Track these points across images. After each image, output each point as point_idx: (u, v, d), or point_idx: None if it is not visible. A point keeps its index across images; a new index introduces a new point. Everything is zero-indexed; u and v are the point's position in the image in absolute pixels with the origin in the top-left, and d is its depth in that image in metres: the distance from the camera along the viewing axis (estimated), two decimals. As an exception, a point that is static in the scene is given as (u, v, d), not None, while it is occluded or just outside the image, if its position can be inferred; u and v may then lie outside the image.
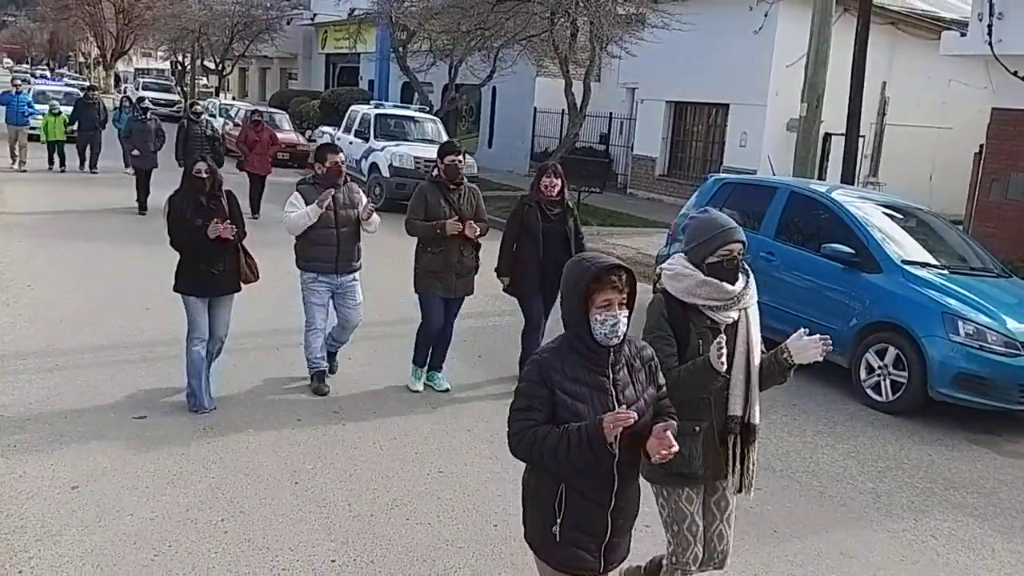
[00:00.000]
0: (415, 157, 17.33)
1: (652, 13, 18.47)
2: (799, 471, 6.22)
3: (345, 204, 6.71)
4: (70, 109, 20.21)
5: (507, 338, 8.79)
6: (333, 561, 4.47)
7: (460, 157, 6.81)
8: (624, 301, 2.94)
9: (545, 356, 3.01)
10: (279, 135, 21.06)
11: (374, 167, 17.83)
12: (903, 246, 8.30)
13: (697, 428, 3.53)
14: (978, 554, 5.20)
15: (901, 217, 9.06)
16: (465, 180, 7.00)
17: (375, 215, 6.79)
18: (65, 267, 10.52)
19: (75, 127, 19.56)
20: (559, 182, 7.08)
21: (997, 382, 7.15)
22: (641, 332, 3.47)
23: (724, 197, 9.82)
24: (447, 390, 7.13)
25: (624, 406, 2.92)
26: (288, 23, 38.41)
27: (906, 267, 7.87)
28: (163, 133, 15.65)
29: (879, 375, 7.68)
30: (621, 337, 2.95)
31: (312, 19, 38.35)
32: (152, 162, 15.07)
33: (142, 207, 14.83)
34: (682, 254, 3.65)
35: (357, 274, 6.91)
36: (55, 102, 20.92)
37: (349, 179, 6.88)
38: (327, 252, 6.66)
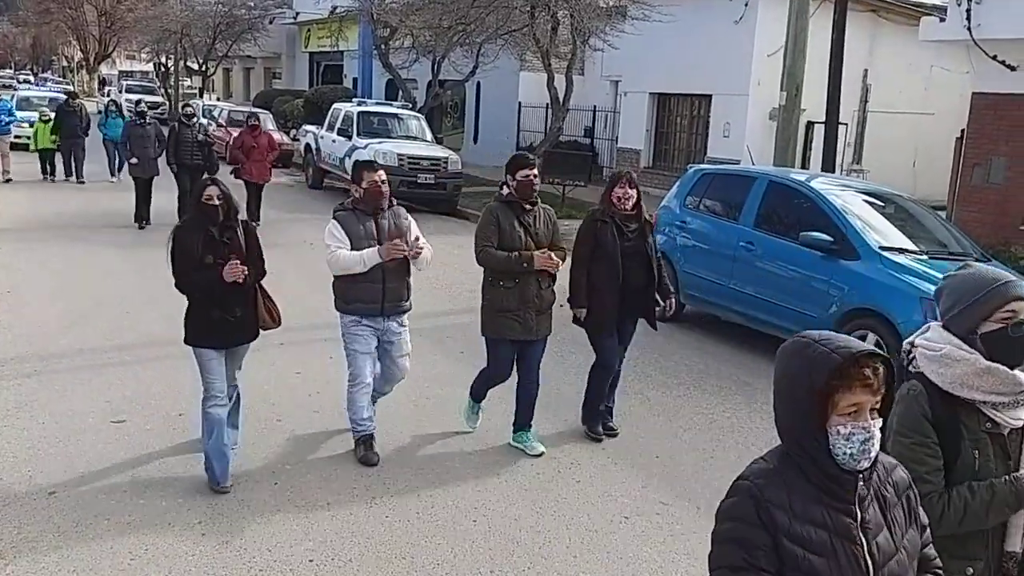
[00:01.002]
0: (398, 154, 17.30)
1: (632, 5, 18.47)
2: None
3: (392, 233, 5.58)
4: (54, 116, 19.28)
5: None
6: (311, 560, 4.47)
7: (535, 172, 5.73)
8: (877, 406, 2.04)
9: (760, 484, 2.07)
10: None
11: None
12: (882, 232, 8.31)
13: (971, 570, 2.53)
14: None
15: (881, 204, 9.07)
16: (539, 199, 5.96)
17: (425, 250, 5.61)
18: (46, 273, 10.47)
19: (56, 136, 18.68)
20: (635, 193, 6.08)
21: (976, 366, 7.16)
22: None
23: (704, 187, 9.85)
24: (542, 454, 5.93)
25: (875, 561, 2.03)
26: (271, 22, 38.25)
27: (884, 253, 7.89)
28: (164, 138, 14.44)
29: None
30: (873, 458, 2.04)
31: (295, 18, 38.20)
32: (153, 170, 14.09)
33: (144, 219, 13.90)
34: (940, 326, 2.63)
35: (406, 317, 5.81)
36: (44, 108, 20.06)
37: (395, 201, 5.80)
38: (371, 291, 5.55)
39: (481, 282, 5.90)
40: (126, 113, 19.84)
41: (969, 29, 12.42)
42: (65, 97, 20.73)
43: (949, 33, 13.01)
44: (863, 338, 7.66)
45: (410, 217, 5.78)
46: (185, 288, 5.12)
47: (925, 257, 8.11)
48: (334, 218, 5.61)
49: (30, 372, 6.96)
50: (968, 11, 12.40)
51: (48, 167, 18.95)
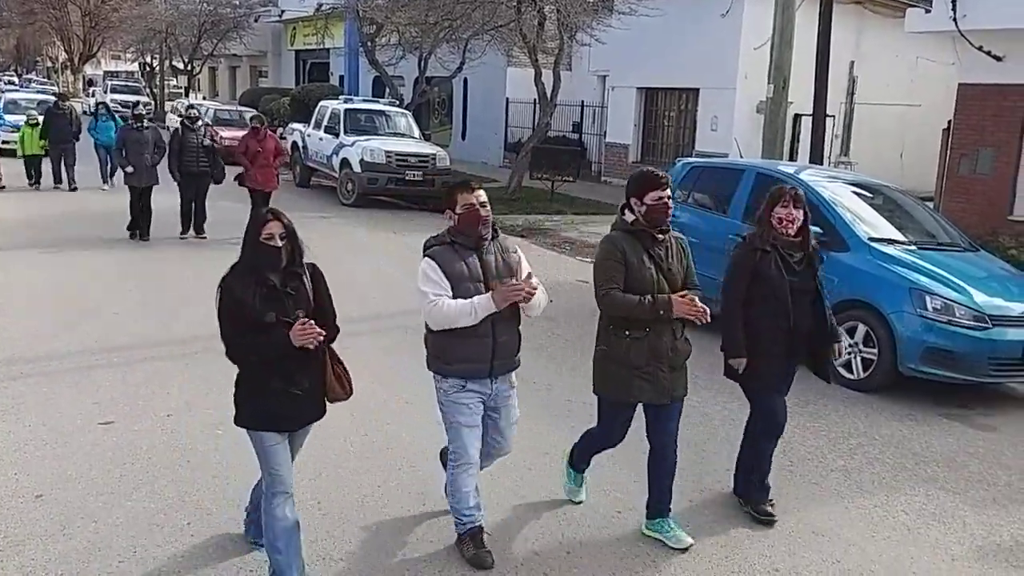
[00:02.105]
0: (386, 151, 17.25)
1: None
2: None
3: (500, 271, 4.42)
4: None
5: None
6: (302, 560, 4.43)
7: (669, 193, 4.55)
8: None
9: None
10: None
11: (345, 162, 17.73)
12: (870, 224, 8.33)
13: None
14: (949, 527, 5.22)
15: (869, 195, 9.08)
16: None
17: (540, 292, 4.40)
18: (34, 278, 10.39)
19: (45, 141, 17.68)
20: (800, 213, 4.99)
21: (966, 356, 7.20)
22: None
23: (693, 181, 9.85)
24: (690, 546, 4.76)
25: None
26: (256, 20, 38.09)
27: (873, 244, 7.90)
28: (163, 144, 13.12)
29: (849, 353, 7.71)
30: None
31: (280, 16, 38.05)
32: (151, 178, 12.82)
33: (142, 234, 12.77)
34: None
35: (515, 375, 4.65)
36: (32, 112, 18.93)
37: (499, 229, 4.56)
38: (479, 348, 4.38)
39: (597, 328, 4.77)
40: (116, 116, 19.04)
41: (954, 20, 12.45)
42: (54, 99, 19.71)
43: (934, 24, 13.04)
44: (854, 329, 7.68)
45: (518, 249, 4.62)
46: (239, 355, 3.99)
47: (914, 248, 8.13)
48: (428, 255, 4.38)
49: (17, 375, 6.90)
50: (953, 2, 12.43)
51: (35, 173, 17.90)
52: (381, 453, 5.77)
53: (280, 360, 3.93)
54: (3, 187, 17.20)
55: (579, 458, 5.17)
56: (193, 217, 13.12)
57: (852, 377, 7.68)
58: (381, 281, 10.92)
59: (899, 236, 8.30)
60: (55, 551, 4.39)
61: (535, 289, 4.33)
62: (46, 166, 17.81)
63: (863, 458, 6.21)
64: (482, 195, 4.36)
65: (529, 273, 4.46)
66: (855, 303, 7.74)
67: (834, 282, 7.91)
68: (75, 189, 17.61)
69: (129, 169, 12.75)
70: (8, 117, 19.33)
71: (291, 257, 3.97)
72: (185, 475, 5.29)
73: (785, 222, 4.96)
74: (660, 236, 4.58)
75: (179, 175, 12.87)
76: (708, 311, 4.44)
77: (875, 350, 7.53)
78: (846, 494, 5.61)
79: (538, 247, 14.20)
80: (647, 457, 4.84)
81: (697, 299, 4.49)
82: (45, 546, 4.43)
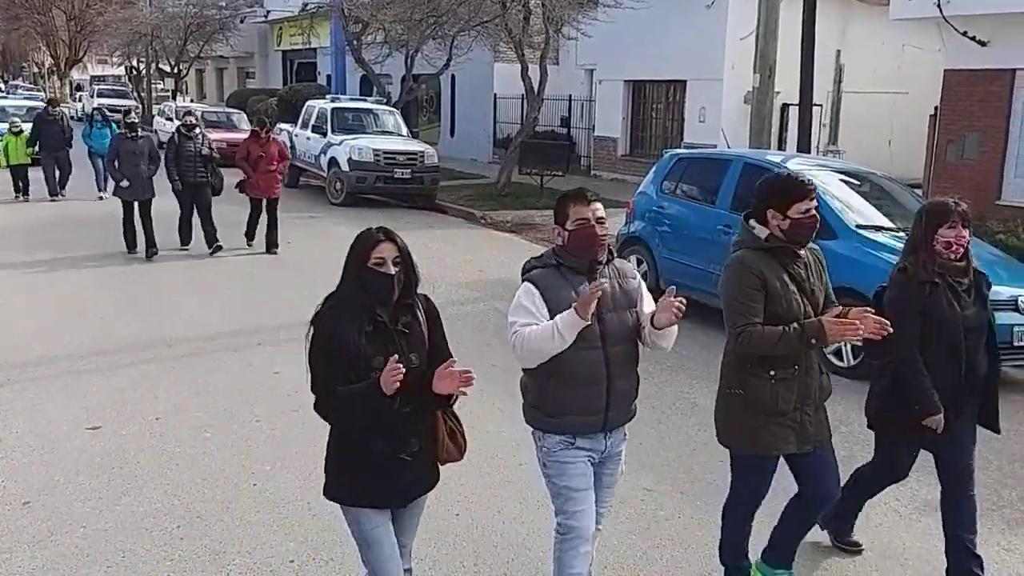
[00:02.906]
0: (374, 150, 17.20)
1: (604, -8, 18.44)
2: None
3: (617, 301, 3.56)
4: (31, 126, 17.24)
5: (470, 327, 8.76)
6: (292, 561, 4.41)
7: (815, 203, 3.80)
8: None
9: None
10: (236, 135, 20.70)
11: (333, 162, 17.67)
12: (858, 211, 8.33)
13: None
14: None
15: (857, 183, 9.08)
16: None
17: (674, 322, 3.48)
18: (19, 281, 10.33)
19: (36, 148, 16.76)
20: (967, 233, 4.09)
21: (955, 340, 7.17)
22: None
23: (680, 172, 9.83)
24: None
25: None
26: (242, 21, 37.94)
27: (861, 231, 7.90)
28: (157, 155, 12.13)
29: (672, 291, 7.70)
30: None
31: (266, 16, 37.92)
32: (147, 191, 11.86)
33: (147, 247, 11.81)
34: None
35: (627, 428, 3.77)
36: (15, 119, 17.92)
37: (614, 251, 3.70)
38: (590, 397, 3.53)
39: (723, 365, 4.02)
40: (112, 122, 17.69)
41: (939, 6, 12.45)
42: (44, 105, 18.76)
43: (919, 10, 13.04)
44: (844, 315, 7.66)
45: (637, 274, 3.77)
46: (338, 411, 3.17)
47: (902, 234, 8.10)
48: (528, 279, 3.58)
49: (3, 381, 6.86)
50: (938, -13, 12.43)
51: (22, 185, 16.84)
52: (371, 452, 5.74)
53: (387, 416, 3.10)
54: None
55: (732, 553, 4.23)
56: (204, 233, 12.21)
57: (843, 364, 7.68)
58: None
59: (887, 223, 8.30)
60: (43, 557, 4.36)
61: (676, 314, 3.38)
62: (35, 174, 16.85)
63: (855, 445, 6.20)
64: (599, 209, 3.52)
65: (672, 296, 3.39)
66: (844, 290, 7.70)
67: (823, 270, 7.94)
68: (63, 197, 16.88)
69: (124, 183, 11.72)
70: None
71: (406, 287, 3.21)
72: (174, 479, 5.27)
73: (955, 246, 4.03)
74: (800, 252, 3.87)
75: (178, 185, 12.04)
76: (859, 327, 3.62)
77: (865, 337, 7.51)
78: (838, 482, 5.59)
79: (528, 242, 14.18)
80: (790, 500, 4.16)
81: (854, 314, 3.66)
82: (32, 553, 4.40)
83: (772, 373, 3.78)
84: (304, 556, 4.45)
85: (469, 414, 6.39)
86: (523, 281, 3.59)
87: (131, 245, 11.86)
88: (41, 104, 20.66)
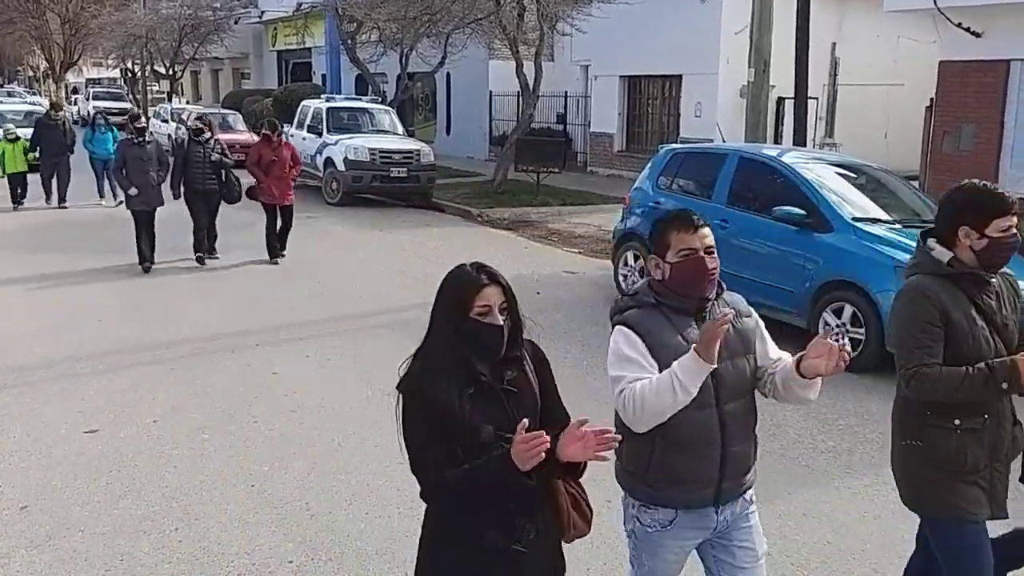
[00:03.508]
0: (370, 149, 17.19)
1: (598, -12, 18.43)
2: (760, 435, 6.18)
3: (731, 347, 2.92)
4: (31, 131, 16.64)
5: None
6: (291, 562, 4.40)
7: (1015, 219, 3.14)
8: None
9: None
10: (232, 136, 20.64)
11: (329, 161, 17.66)
12: (854, 204, 8.32)
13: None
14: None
15: (853, 175, 9.08)
16: None
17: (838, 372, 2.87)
18: (14, 285, 10.31)
19: (37, 153, 16.18)
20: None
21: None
22: None
23: (676, 167, 9.83)
24: None
25: None
26: (236, 22, 37.90)
27: (857, 224, 7.89)
28: (167, 160, 11.58)
29: (837, 334, 7.67)
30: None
31: (260, 17, 37.88)
32: (157, 200, 11.24)
33: (147, 260, 11.14)
34: None
35: (752, 493, 3.08)
36: (10, 125, 17.11)
37: (723, 284, 3.08)
38: (700, 464, 2.92)
39: (897, 411, 3.38)
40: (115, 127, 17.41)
41: (933, -3, 12.44)
42: (45, 109, 18.05)
43: (914, 2, 13.05)
44: (841, 310, 7.67)
45: (753, 312, 3.11)
46: (459, 496, 2.52)
47: (898, 226, 8.12)
48: (622, 323, 2.93)
49: (1, 385, 6.85)
50: (932, -21, 12.42)
51: (20, 192, 16.24)
52: (369, 452, 5.73)
53: (500, 494, 2.44)
54: None
55: None
56: (196, 239, 11.61)
57: (841, 358, 7.66)
58: (368, 280, 10.86)
59: (883, 215, 8.29)
60: (41, 561, 4.35)
61: (847, 361, 2.83)
62: (32, 180, 16.38)
63: (853, 439, 6.21)
64: (708, 236, 2.92)
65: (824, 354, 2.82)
66: (841, 283, 7.73)
67: (819, 263, 7.94)
68: (64, 207, 16.29)
69: (133, 191, 11.02)
70: None
71: (513, 337, 2.56)
72: (171, 481, 5.25)
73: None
74: (991, 279, 3.22)
75: (185, 193, 11.42)
76: None
77: (862, 330, 7.52)
78: (836, 475, 5.60)
79: (525, 239, 14.18)
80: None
81: None
82: (31, 557, 4.39)
83: (957, 423, 3.13)
84: (303, 556, 4.44)
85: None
86: (615, 324, 2.95)
87: (144, 258, 11.11)
88: (41, 109, 20.09)
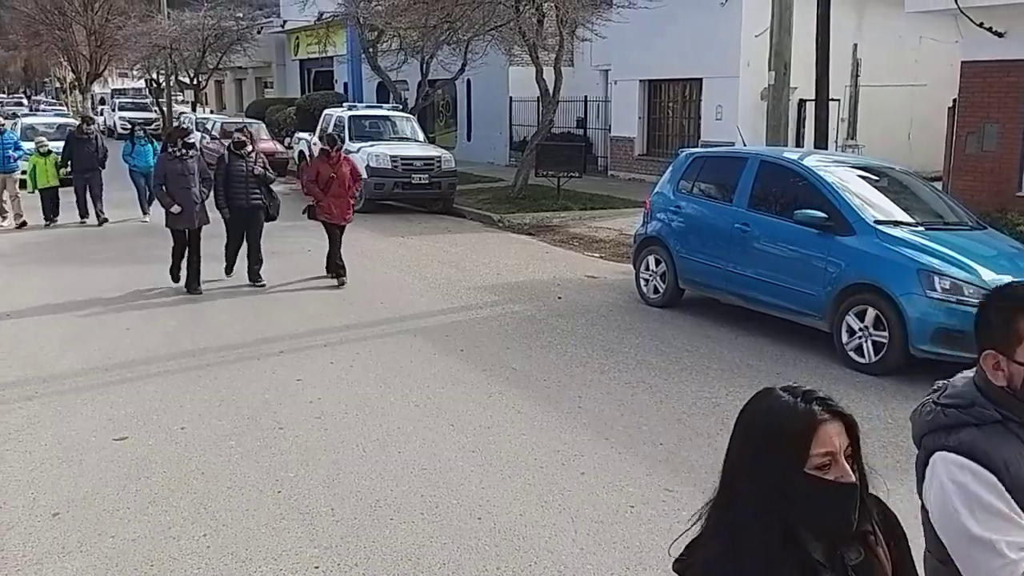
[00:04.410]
0: (391, 156, 17.31)
1: (618, -7, 18.45)
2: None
3: None
4: (62, 144, 16.08)
5: (489, 330, 8.80)
6: (316, 567, 4.46)
7: None
8: None
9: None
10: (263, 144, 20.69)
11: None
12: (876, 206, 8.29)
13: None
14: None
15: (874, 178, 9.05)
16: None
17: None
18: (44, 294, 10.47)
19: (68, 169, 15.69)
20: None
21: (977, 335, 7.13)
22: None
23: (697, 171, 9.83)
24: None
25: None
26: (259, 32, 38.25)
27: (879, 227, 7.86)
28: (209, 176, 10.87)
29: (860, 337, 7.67)
30: None
31: (282, 26, 38.21)
32: (201, 219, 10.60)
33: (190, 283, 10.54)
34: None
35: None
36: (42, 138, 16.48)
37: None
38: None
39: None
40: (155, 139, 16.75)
41: (955, -3, 12.35)
42: (77, 123, 17.56)
43: (935, 2, 12.94)
44: (863, 313, 7.65)
45: None
46: None
47: (921, 229, 8.09)
48: (966, 455, 2.09)
49: (32, 395, 6.96)
50: (953, -21, 12.33)
51: (53, 208, 15.82)
52: (393, 458, 5.79)
53: None
54: (24, 223, 15.48)
55: None
56: (248, 264, 10.97)
57: (863, 361, 7.65)
58: (390, 287, 10.94)
59: (905, 218, 8.26)
60: (72, 568, 4.43)
61: None
62: (65, 197, 15.90)
63: (877, 443, 6.18)
64: None
65: None
66: (863, 286, 7.71)
67: (841, 266, 7.92)
68: (104, 222, 15.74)
69: (175, 209, 10.35)
70: (28, 144, 16.60)
71: (863, 502, 1.81)
72: (199, 487, 5.33)
73: None
74: None
75: (227, 211, 10.78)
76: None
77: (885, 333, 7.49)
78: (860, 479, 5.58)
79: (546, 244, 14.22)
80: None
81: None
82: (63, 563, 4.47)
83: None
84: (329, 562, 4.49)
85: (488, 417, 6.50)
86: (946, 451, 2.12)
87: (178, 277, 10.67)
88: (73, 121, 19.59)
